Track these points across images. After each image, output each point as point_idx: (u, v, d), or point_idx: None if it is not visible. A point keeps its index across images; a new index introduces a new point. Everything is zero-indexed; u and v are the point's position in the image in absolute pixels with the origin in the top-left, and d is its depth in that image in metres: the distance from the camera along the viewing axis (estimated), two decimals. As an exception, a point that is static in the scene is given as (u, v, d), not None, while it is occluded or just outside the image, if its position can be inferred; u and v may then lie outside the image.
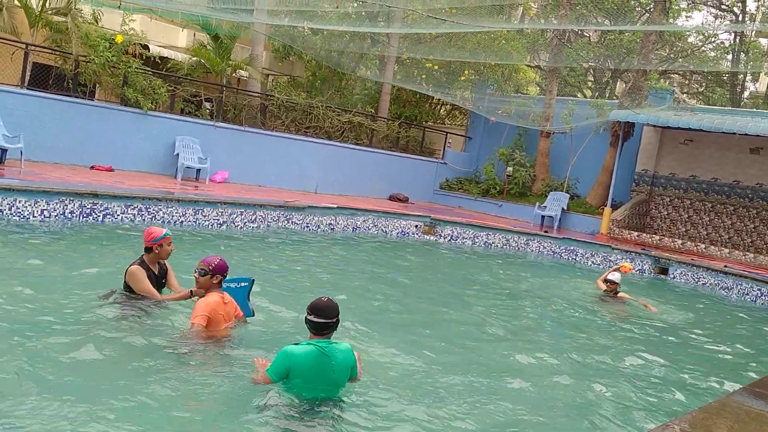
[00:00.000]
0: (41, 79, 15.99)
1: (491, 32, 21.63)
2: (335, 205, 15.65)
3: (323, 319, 4.78)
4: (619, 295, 11.61)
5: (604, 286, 11.78)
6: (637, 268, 15.66)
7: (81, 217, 10.99)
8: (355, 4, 20.59)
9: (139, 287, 6.30)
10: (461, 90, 24.13)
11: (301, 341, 4.87)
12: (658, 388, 6.90)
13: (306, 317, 4.81)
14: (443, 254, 15.35)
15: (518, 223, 19.06)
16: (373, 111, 23.24)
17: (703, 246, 17.91)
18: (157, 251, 6.43)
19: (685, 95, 31.54)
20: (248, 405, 4.74)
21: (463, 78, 24.09)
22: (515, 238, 16.98)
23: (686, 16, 27.09)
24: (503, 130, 22.94)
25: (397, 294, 9.96)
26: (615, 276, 11.65)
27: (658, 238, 18.64)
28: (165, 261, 6.61)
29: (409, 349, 6.88)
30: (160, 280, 6.51)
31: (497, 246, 16.82)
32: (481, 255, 15.76)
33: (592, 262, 16.22)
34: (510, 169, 21.97)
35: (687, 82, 35.34)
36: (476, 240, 16.89)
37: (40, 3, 16.38)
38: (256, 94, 20.01)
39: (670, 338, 9.47)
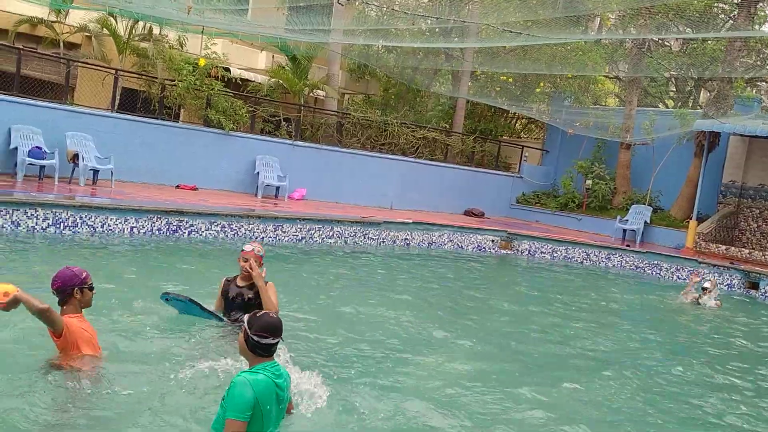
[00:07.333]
0: (130, 103, 16.73)
1: (567, 44, 21.33)
2: (411, 221, 15.70)
3: (278, 339, 4.05)
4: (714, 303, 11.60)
5: (690, 298, 11.74)
6: (725, 283, 15.04)
7: (168, 234, 11.41)
8: (429, 22, 20.72)
9: None
10: (537, 103, 23.84)
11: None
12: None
13: (257, 341, 3.95)
14: (521, 269, 15.15)
15: (599, 238, 18.61)
16: (447, 126, 23.25)
17: (797, 260, 17.03)
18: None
19: (773, 103, 30.18)
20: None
21: (538, 90, 23.83)
22: (596, 253, 16.58)
23: (773, 21, 25.98)
24: (581, 142, 22.51)
25: (475, 309, 9.90)
26: (708, 283, 11.64)
27: (747, 251, 17.83)
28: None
29: (488, 367, 6.83)
30: (242, 295, 6.30)
31: (577, 260, 16.47)
32: (561, 270, 15.47)
33: (678, 276, 15.67)
34: (589, 182, 21.51)
35: (776, 89, 33.82)
36: (555, 254, 16.59)
37: (128, 30, 17.20)
38: (333, 113, 20.35)
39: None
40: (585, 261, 16.49)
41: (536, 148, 24.84)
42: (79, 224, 10.58)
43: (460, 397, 5.75)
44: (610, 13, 23.67)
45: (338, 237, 13.91)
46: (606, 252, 16.59)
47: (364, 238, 14.41)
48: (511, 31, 15.36)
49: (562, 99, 23.43)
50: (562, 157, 23.61)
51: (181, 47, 18.31)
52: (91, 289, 4.91)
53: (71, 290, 4.80)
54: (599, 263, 16.45)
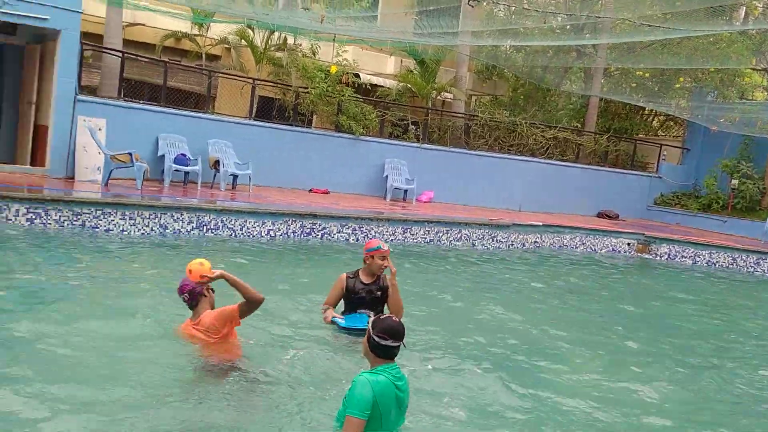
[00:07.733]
0: (266, 110, 17.47)
1: (709, 35, 20.11)
2: (540, 223, 15.38)
3: (399, 343, 4.15)
4: None
5: None
6: None
7: (302, 236, 11.81)
8: (560, 19, 20.18)
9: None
10: (676, 99, 22.63)
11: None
12: None
13: (377, 342, 4.07)
14: (660, 274, 14.44)
15: (746, 241, 17.40)
16: (579, 125, 22.56)
17: None
18: (368, 263, 6.39)
19: None
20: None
21: (677, 86, 22.63)
22: (743, 257, 15.52)
23: None
24: (726, 139, 21.13)
25: (610, 316, 9.53)
26: None
27: None
28: (383, 276, 6.44)
29: (621, 376, 6.56)
30: (370, 292, 6.39)
31: (722, 266, 15.49)
32: (704, 275, 14.60)
33: (838, 284, 14.39)
34: (735, 181, 20.18)
35: None
36: (697, 259, 15.69)
37: (264, 41, 17.96)
38: (460, 115, 20.28)
39: None
40: (731, 266, 15.48)
41: (676, 147, 23.58)
42: (221, 227, 11.16)
43: (599, 406, 5.56)
44: (757, 2, 22.14)
45: (466, 239, 13.84)
46: (755, 256, 15.49)
47: (492, 240, 14.25)
48: (649, 25, 14.67)
49: (704, 94, 22.11)
50: (705, 155, 22.27)
51: (314, 55, 18.90)
52: (212, 290, 5.40)
53: (201, 289, 5.26)
54: (747, 269, 15.38)
